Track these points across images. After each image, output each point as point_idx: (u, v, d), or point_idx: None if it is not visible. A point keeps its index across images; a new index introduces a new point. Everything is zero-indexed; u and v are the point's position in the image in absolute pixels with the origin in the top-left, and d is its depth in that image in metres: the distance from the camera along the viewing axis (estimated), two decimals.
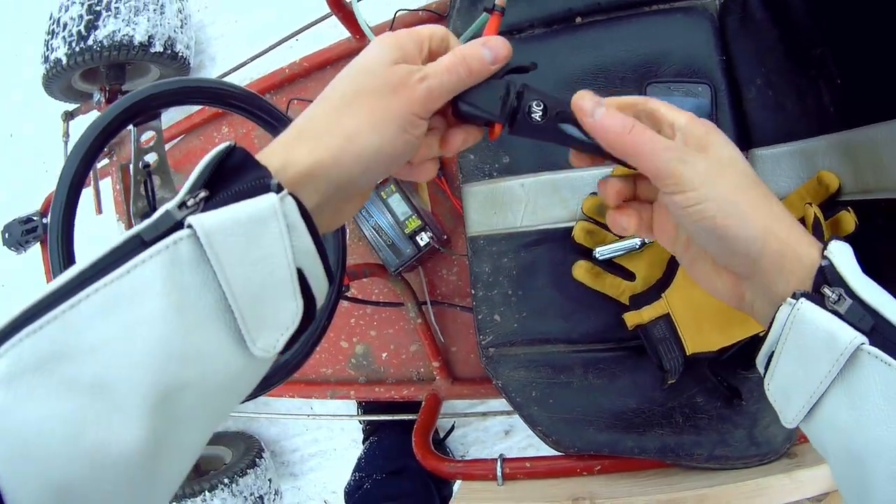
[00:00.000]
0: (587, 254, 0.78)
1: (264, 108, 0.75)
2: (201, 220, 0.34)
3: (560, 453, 0.84)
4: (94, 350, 0.32)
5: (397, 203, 1.05)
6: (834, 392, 0.41)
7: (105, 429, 0.31)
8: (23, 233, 1.41)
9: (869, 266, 0.64)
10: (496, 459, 0.86)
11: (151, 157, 0.80)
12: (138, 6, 1.41)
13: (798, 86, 0.71)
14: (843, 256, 0.43)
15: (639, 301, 0.74)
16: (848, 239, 0.66)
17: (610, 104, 0.47)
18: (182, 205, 0.36)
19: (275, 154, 0.40)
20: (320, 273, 0.40)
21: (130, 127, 0.78)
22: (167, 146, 1.46)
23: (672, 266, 0.73)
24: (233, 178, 0.38)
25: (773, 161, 0.73)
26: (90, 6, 1.37)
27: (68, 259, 0.60)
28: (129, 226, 0.89)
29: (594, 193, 0.79)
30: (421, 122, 0.43)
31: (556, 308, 0.82)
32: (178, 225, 0.35)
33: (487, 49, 0.44)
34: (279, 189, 0.37)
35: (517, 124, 0.47)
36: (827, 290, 0.41)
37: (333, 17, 1.08)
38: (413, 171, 0.49)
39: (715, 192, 0.44)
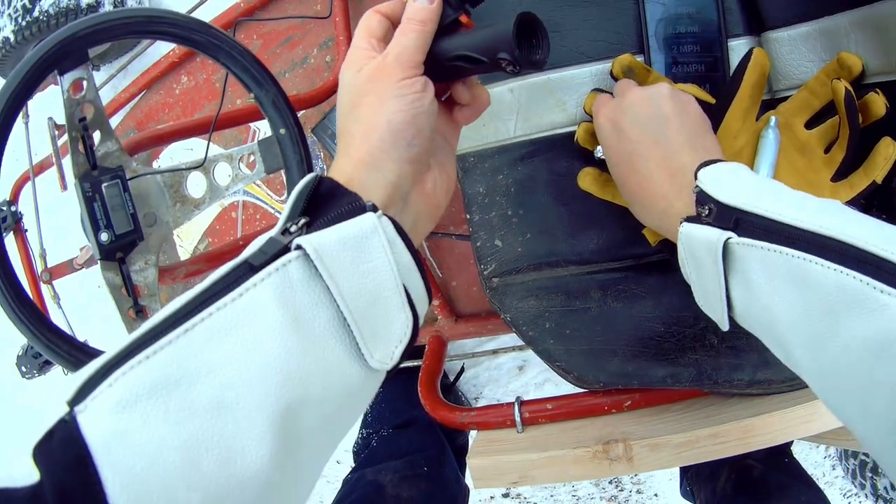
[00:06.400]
0: (593, 160, 0.67)
1: (200, 30, 0.66)
2: (310, 240, 0.36)
3: (584, 390, 0.74)
4: (212, 371, 0.32)
5: None
6: (734, 285, 0.45)
7: (227, 449, 0.30)
8: None
9: None
10: (513, 404, 0.76)
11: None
12: None
13: None
14: (716, 173, 0.48)
15: None
16: (878, 124, 0.56)
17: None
18: (285, 231, 0.38)
19: (353, 184, 0.42)
20: (421, 287, 0.41)
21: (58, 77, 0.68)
22: (128, 107, 1.38)
23: None
24: (326, 204, 0.40)
25: (790, 44, 0.61)
26: None
27: None
28: (64, 187, 0.79)
29: (597, 90, 0.67)
30: (414, 81, 0.45)
31: (563, 225, 0.70)
32: (285, 249, 0.36)
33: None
34: (374, 209, 0.39)
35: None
36: (700, 209, 0.47)
37: None
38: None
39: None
